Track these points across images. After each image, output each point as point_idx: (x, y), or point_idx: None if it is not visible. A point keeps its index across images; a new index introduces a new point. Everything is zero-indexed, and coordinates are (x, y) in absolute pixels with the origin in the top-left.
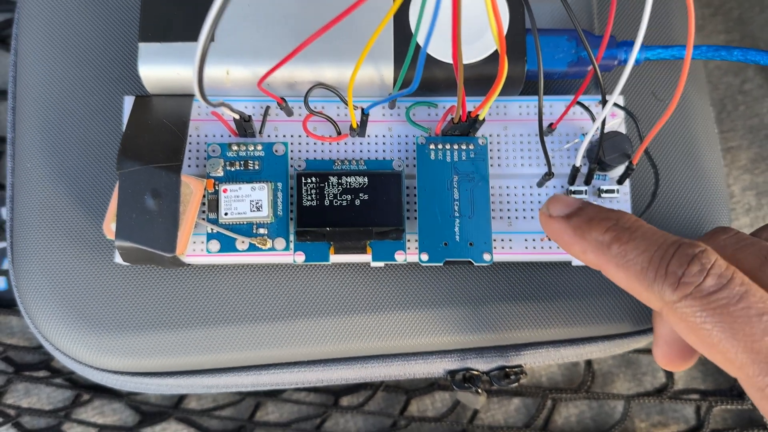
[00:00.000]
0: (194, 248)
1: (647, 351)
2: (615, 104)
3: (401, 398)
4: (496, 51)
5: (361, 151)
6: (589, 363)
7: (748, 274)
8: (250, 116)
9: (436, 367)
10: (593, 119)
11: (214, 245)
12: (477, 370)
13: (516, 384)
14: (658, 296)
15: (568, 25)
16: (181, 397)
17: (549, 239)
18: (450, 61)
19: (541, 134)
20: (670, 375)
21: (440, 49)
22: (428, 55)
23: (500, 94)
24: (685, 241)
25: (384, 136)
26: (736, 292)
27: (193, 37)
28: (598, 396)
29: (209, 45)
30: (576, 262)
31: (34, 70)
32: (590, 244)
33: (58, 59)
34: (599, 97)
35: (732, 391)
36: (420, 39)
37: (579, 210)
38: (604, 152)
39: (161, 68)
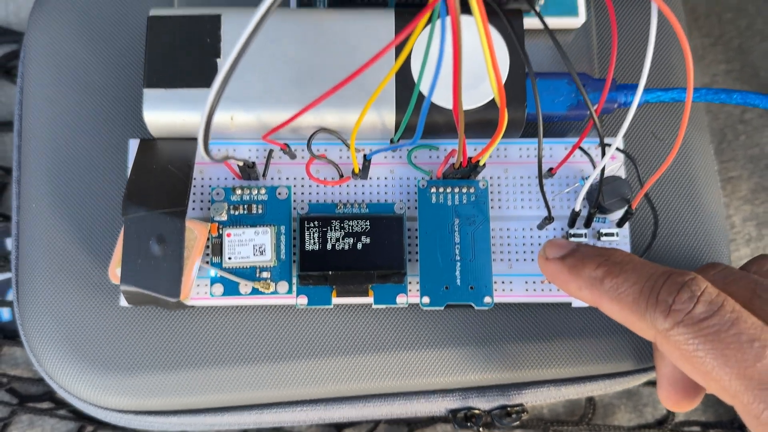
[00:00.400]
0: (198, 291)
1: (648, 383)
2: (620, 150)
3: (403, 430)
4: None
5: (363, 194)
6: (590, 396)
7: None
8: (254, 162)
9: (438, 406)
10: (593, 163)
11: (218, 289)
12: (478, 409)
13: (517, 423)
14: (651, 325)
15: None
16: None
17: (548, 282)
18: (451, 106)
19: (541, 183)
20: None
21: (441, 96)
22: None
23: (501, 137)
24: (675, 270)
25: (386, 178)
26: (727, 319)
27: (197, 83)
28: (600, 428)
29: (216, 106)
30: (576, 303)
31: (39, 111)
32: (585, 281)
33: (63, 100)
34: (598, 140)
35: (733, 423)
36: (423, 89)
37: (573, 251)
38: (603, 197)
39: (166, 114)
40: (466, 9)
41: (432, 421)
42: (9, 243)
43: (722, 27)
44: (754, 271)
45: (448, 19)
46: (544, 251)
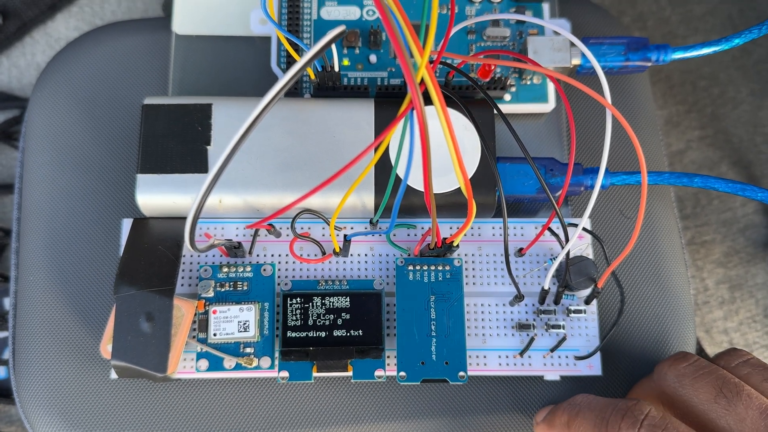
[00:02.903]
0: (184, 365)
1: None
2: (587, 230)
3: None
4: None
5: (344, 269)
6: None
7: (703, 405)
8: (239, 243)
9: None
10: (560, 243)
11: (203, 364)
12: None
13: None
14: None
15: (540, 149)
16: None
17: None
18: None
19: (508, 265)
20: None
21: (417, 179)
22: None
23: (474, 217)
24: (621, 400)
25: (366, 255)
26: None
27: (188, 169)
28: None
29: (208, 198)
30: (548, 377)
31: (38, 187)
32: (558, 429)
33: (61, 178)
34: (568, 220)
35: None
36: (400, 173)
37: (551, 409)
38: (570, 277)
39: (157, 197)
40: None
41: None
42: (6, 302)
43: (696, 95)
44: (723, 365)
45: (416, 119)
46: (536, 417)
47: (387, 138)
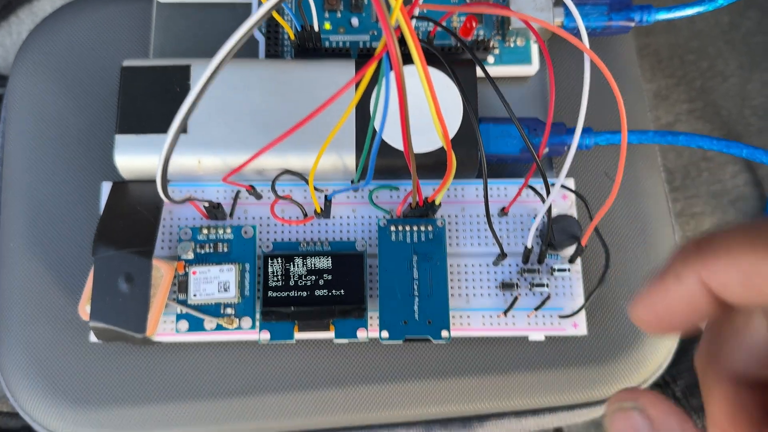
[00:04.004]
0: (164, 327)
1: None
2: (565, 187)
3: None
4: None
5: (326, 232)
6: (558, 429)
7: None
8: (219, 203)
9: None
10: (543, 200)
11: (183, 325)
12: None
13: None
14: None
15: (524, 112)
16: None
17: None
18: None
19: (489, 221)
20: None
21: (398, 139)
22: (387, 144)
23: (457, 178)
24: None
25: (348, 217)
26: None
27: (166, 129)
28: None
29: (175, 144)
30: (532, 337)
31: (19, 156)
32: None
33: (42, 147)
34: (552, 180)
35: None
36: (376, 125)
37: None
38: (553, 235)
39: (136, 158)
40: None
41: None
42: None
43: (685, 68)
44: None
45: (392, 62)
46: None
47: (363, 83)
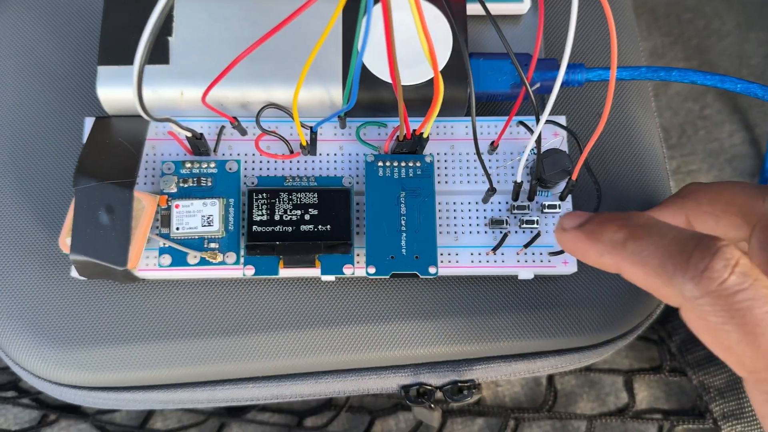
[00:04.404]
0: (147, 263)
1: (610, 371)
2: (555, 123)
3: (365, 419)
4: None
5: (312, 169)
6: (551, 383)
7: None
8: (201, 134)
9: (390, 382)
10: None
11: (166, 259)
12: (430, 385)
13: (470, 399)
14: (678, 291)
15: (514, 48)
16: (147, 417)
17: (569, 253)
18: None
19: (478, 152)
20: (632, 395)
21: (386, 70)
22: (375, 77)
23: (446, 115)
24: (705, 234)
25: (335, 154)
26: (762, 295)
27: (149, 60)
28: (561, 416)
29: (145, 64)
30: (522, 275)
31: (1, 95)
32: (605, 245)
33: (23, 81)
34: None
35: (694, 410)
36: (358, 46)
37: (590, 217)
38: (544, 169)
39: (118, 90)
40: None
41: (394, 408)
42: None
43: (681, 27)
44: None
45: None
46: (561, 222)
47: (337, 12)
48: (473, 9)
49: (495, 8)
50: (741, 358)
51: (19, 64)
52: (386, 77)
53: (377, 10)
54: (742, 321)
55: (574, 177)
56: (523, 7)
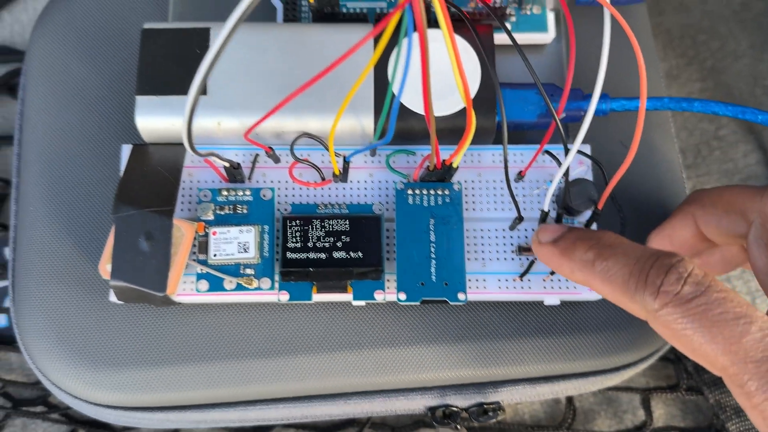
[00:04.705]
0: (185, 288)
1: (627, 389)
2: (581, 152)
3: None
4: None
5: (344, 196)
6: (570, 401)
7: None
8: (239, 164)
9: (417, 404)
10: (560, 164)
11: (203, 285)
12: (456, 407)
13: (494, 420)
14: (641, 306)
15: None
16: None
17: (548, 266)
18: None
19: (508, 182)
20: (649, 413)
21: (416, 102)
22: (405, 107)
23: (474, 144)
24: (663, 252)
25: (365, 181)
26: (714, 299)
27: (186, 90)
28: None
29: (198, 101)
30: (548, 302)
31: (38, 119)
32: (576, 264)
33: (61, 109)
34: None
35: (710, 429)
36: (394, 89)
37: (564, 234)
38: (570, 198)
39: (156, 119)
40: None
41: (415, 425)
42: (7, 252)
43: (696, 48)
44: None
45: (414, 13)
46: (537, 235)
47: (383, 40)
48: (498, 39)
49: (520, 38)
50: (710, 359)
51: (54, 90)
52: (416, 108)
53: (406, 42)
54: (699, 324)
55: (600, 206)
56: (548, 37)
